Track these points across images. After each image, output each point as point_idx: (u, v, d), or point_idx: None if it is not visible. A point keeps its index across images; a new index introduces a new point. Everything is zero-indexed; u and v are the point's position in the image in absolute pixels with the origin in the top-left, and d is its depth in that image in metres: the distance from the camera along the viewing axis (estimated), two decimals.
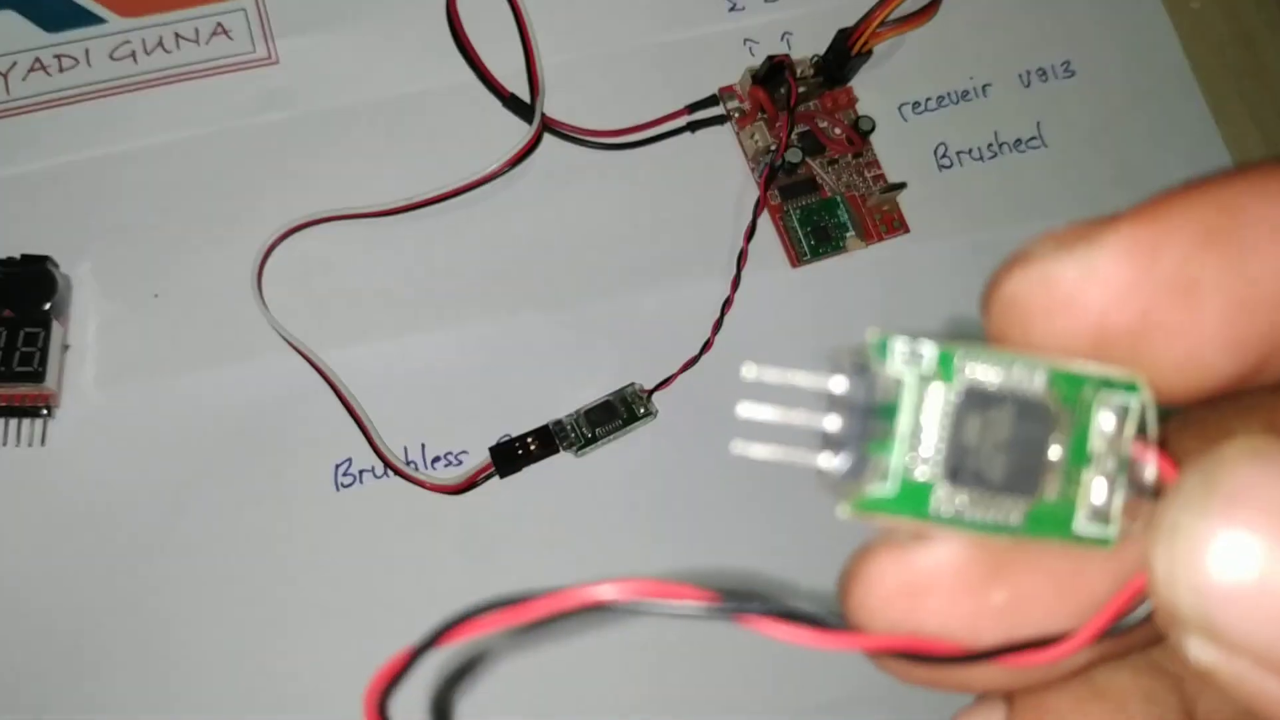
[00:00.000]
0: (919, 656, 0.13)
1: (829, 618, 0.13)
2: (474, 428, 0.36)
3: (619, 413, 0.35)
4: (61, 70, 0.39)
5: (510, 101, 0.39)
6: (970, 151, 0.41)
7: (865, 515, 0.13)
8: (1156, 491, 0.13)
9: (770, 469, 0.34)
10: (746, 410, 0.14)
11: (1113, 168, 0.42)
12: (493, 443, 0.36)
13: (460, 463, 0.36)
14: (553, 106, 0.40)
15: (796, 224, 0.39)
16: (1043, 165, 0.41)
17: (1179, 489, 0.12)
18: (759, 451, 0.14)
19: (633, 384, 0.36)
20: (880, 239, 0.39)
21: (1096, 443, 0.13)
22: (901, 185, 0.39)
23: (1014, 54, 0.42)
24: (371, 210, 0.38)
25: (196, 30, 0.40)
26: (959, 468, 0.12)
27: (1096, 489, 0.13)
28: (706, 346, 0.37)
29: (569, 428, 0.35)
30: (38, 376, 0.35)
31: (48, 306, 0.35)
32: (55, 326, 0.35)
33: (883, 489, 0.12)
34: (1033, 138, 0.42)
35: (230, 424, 0.36)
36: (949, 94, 0.42)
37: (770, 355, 0.37)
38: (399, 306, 0.37)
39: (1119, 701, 0.15)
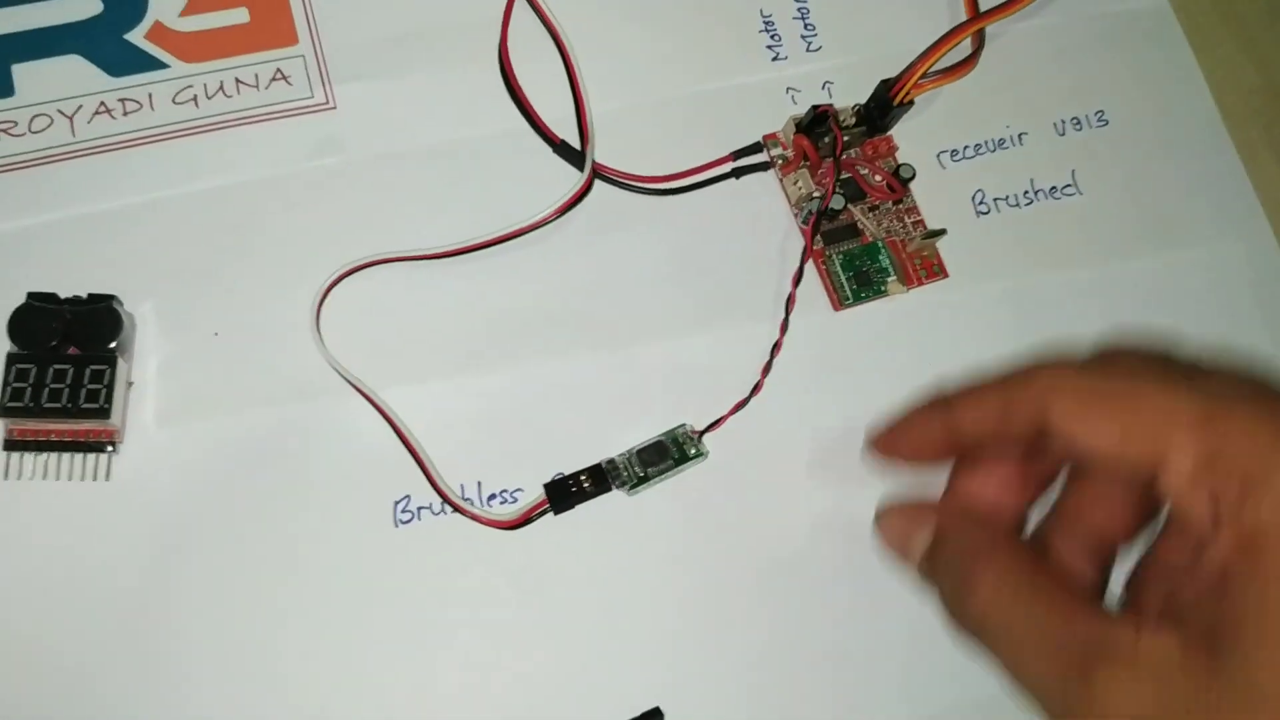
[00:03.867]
0: None
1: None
2: (528, 466, 0.37)
3: (670, 453, 0.36)
4: (125, 114, 0.40)
5: (561, 148, 0.40)
6: (1007, 198, 0.42)
7: None
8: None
9: (817, 507, 0.36)
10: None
11: (1145, 213, 0.43)
12: (547, 480, 0.36)
13: (515, 500, 0.37)
14: (601, 152, 0.41)
15: (839, 268, 0.40)
16: (1077, 212, 0.42)
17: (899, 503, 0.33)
18: None
19: (684, 425, 0.37)
20: (920, 284, 0.40)
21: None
22: (941, 231, 0.40)
23: (1049, 103, 0.43)
24: (427, 253, 0.39)
25: (256, 76, 0.41)
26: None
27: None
28: (756, 389, 0.37)
29: (621, 467, 0.36)
30: (103, 413, 0.35)
31: (113, 345, 0.36)
32: (120, 364, 0.36)
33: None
34: (1068, 185, 0.43)
35: (290, 461, 0.37)
36: (986, 142, 0.43)
37: (815, 398, 0.38)
38: (453, 347, 0.38)
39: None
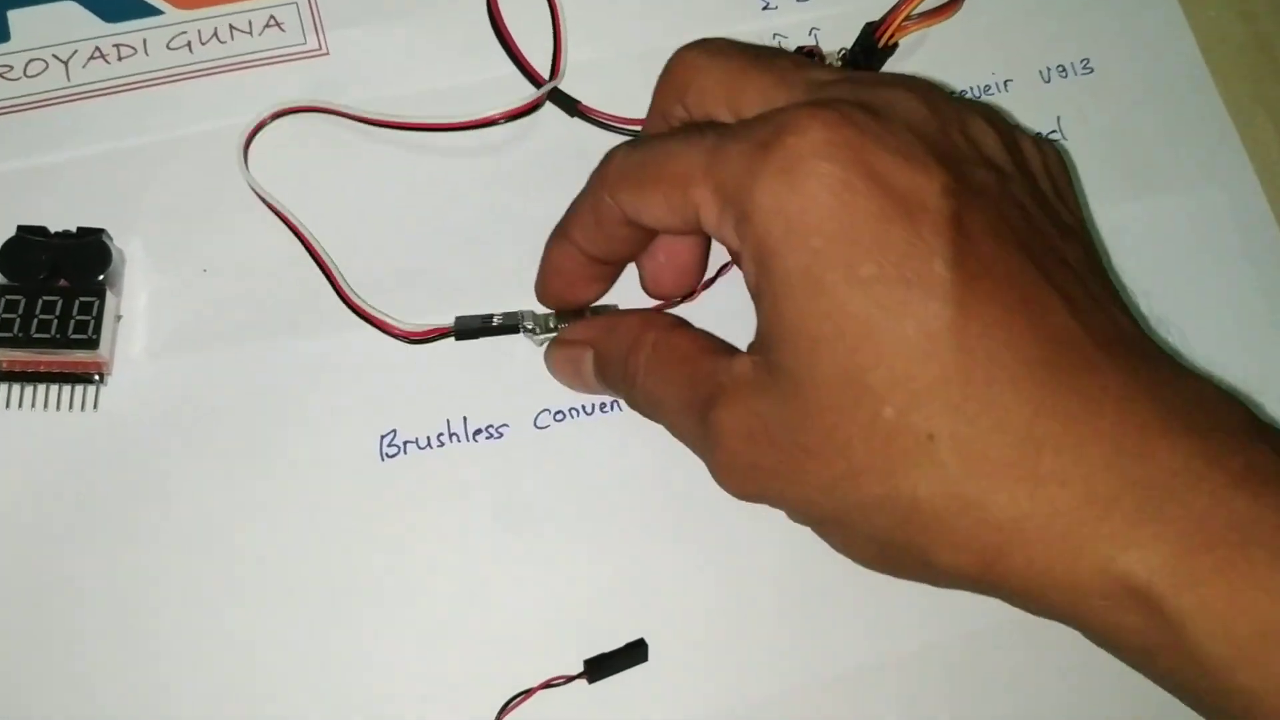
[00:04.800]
0: None
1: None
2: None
3: (584, 315, 0.37)
4: (120, 59, 0.41)
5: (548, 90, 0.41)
6: None
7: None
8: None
9: None
10: None
11: (1129, 160, 0.43)
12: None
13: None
14: (589, 99, 0.41)
15: None
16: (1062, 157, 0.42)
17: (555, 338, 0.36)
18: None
19: (616, 305, 0.38)
20: None
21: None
22: None
23: (1035, 51, 0.44)
24: (373, 118, 0.40)
25: (250, 22, 0.41)
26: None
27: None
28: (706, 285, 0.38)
29: (536, 316, 0.37)
30: (92, 344, 0.36)
31: (102, 277, 0.37)
32: (109, 296, 0.36)
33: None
34: (1053, 131, 0.43)
35: (276, 396, 0.37)
36: (972, 88, 0.43)
37: None
38: (399, 222, 0.39)
39: None
